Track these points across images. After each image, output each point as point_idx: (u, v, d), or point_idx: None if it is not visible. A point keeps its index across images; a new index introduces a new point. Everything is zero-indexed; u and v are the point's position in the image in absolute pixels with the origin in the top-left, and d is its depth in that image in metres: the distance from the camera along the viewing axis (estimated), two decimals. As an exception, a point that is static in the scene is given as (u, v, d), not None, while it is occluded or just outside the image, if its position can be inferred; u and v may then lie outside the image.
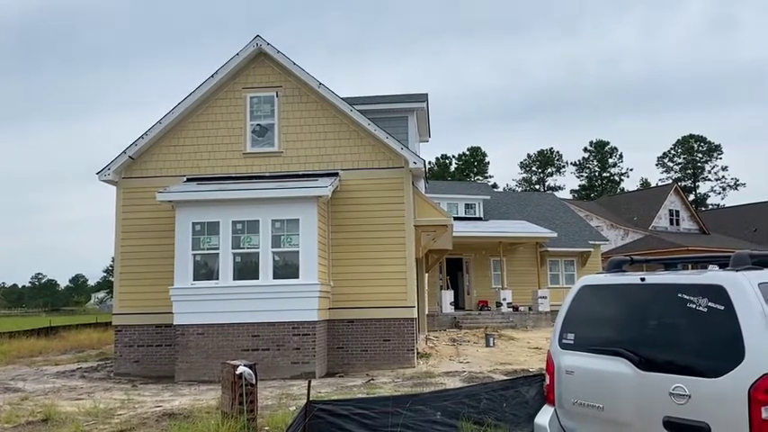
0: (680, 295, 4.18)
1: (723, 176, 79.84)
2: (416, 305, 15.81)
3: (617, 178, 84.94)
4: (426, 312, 22.76)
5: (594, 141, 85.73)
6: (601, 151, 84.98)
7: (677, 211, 43.97)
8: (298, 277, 13.92)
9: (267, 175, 15.56)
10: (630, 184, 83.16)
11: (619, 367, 4.39)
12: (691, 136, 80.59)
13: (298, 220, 14.08)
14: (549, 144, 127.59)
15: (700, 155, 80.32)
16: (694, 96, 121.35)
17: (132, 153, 15.70)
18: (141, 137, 15.69)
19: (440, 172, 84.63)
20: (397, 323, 15.08)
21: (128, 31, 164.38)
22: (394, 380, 12.99)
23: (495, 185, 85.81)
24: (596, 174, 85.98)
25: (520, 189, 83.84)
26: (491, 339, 19.95)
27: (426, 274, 23.45)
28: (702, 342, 4.05)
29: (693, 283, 4.20)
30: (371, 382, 12.81)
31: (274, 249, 14.07)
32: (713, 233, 43.64)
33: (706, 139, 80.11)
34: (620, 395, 4.38)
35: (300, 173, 15.53)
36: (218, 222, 14.19)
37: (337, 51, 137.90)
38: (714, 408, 3.84)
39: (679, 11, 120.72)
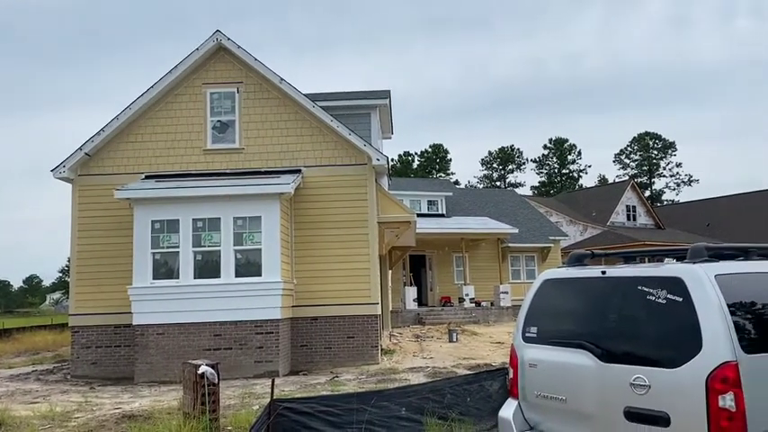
0: (640, 288, 4.26)
1: (677, 173, 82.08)
2: (380, 302, 15.82)
3: (575, 175, 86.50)
4: (390, 309, 22.80)
5: (554, 138, 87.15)
6: (560, 148, 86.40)
7: (634, 207, 45.00)
8: (260, 275, 13.78)
9: (228, 172, 15.35)
10: (589, 181, 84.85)
11: (581, 359, 4.46)
12: (646, 133, 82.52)
13: (260, 217, 13.93)
14: (511, 141, 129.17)
15: (655, 152, 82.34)
16: (651, 94, 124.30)
17: (88, 150, 15.29)
18: (98, 133, 15.30)
19: (403, 169, 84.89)
20: (361, 320, 15.06)
21: (90, 28, 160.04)
22: (358, 377, 12.98)
23: (457, 182, 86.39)
24: (556, 170, 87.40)
25: (481, 186, 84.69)
26: (454, 335, 20.10)
27: (390, 271, 23.49)
28: (661, 333, 4.13)
29: (653, 276, 4.28)
30: (336, 379, 12.77)
31: (236, 247, 13.89)
32: (668, 228, 44.81)
33: (661, 136, 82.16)
34: (582, 387, 4.44)
35: (262, 170, 15.36)
36: (178, 220, 13.94)
37: (301, 49, 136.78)
38: (673, 397, 3.93)
39: (639, 10, 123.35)
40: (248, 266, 13.96)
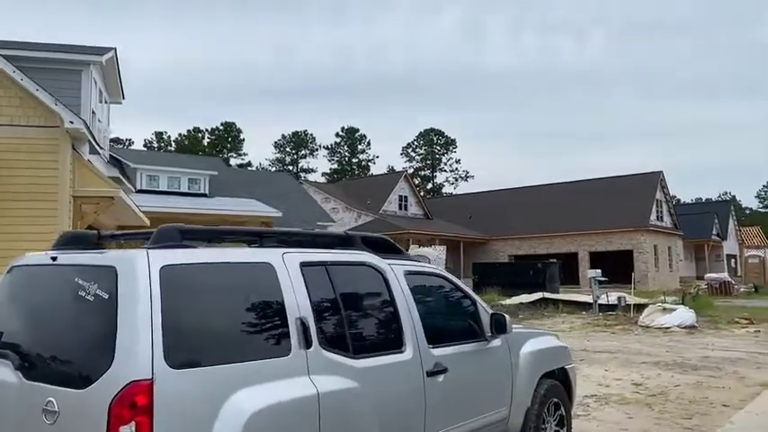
0: (77, 280, 3.20)
1: (456, 168, 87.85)
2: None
3: (365, 164, 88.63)
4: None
5: (346, 127, 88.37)
6: (351, 137, 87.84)
7: (406, 197, 46.73)
8: None
9: None
10: (377, 171, 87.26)
11: (4, 374, 3.30)
12: (431, 129, 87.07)
13: None
14: (309, 126, 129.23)
15: (438, 147, 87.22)
16: (439, 93, 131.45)
17: None
18: None
19: (190, 146, 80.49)
20: (42, 309, 12.91)
21: None
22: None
23: (249, 164, 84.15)
24: (347, 159, 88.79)
25: (273, 169, 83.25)
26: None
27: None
28: (80, 342, 3.10)
29: (90, 265, 3.23)
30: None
31: None
32: (436, 218, 47.23)
33: (444, 133, 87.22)
34: (2, 411, 3.29)
35: None
36: None
37: (102, 7, 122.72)
38: (78, 429, 2.91)
39: (439, 14, 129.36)
40: None
